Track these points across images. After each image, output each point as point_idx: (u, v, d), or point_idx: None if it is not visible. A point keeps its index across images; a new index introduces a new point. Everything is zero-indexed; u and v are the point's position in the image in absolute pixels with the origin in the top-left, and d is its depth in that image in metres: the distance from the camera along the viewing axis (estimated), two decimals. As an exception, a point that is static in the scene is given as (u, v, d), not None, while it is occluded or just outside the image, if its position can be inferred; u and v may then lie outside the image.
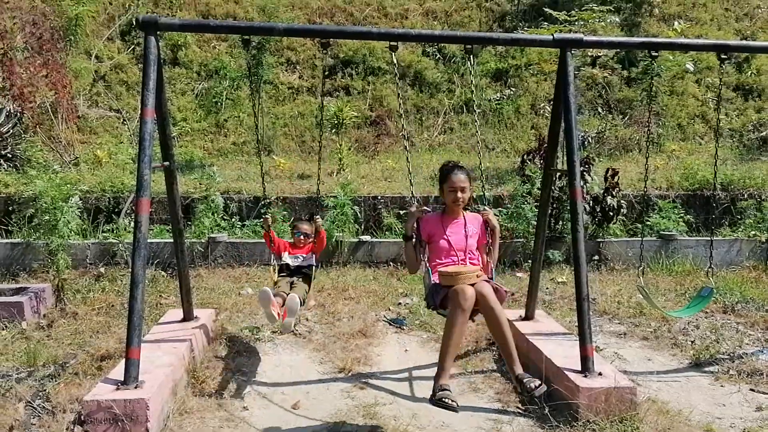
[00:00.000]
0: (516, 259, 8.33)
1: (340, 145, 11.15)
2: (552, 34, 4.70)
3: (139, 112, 4.37)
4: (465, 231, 4.25)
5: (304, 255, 5.34)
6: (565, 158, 4.91)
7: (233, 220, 9.06)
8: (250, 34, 4.84)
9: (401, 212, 8.94)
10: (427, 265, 4.20)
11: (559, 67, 4.67)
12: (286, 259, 5.32)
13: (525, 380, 3.82)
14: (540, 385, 3.80)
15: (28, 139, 10.96)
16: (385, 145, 12.56)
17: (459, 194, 4.21)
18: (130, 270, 7.29)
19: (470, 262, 4.20)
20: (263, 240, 8.31)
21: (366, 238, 8.55)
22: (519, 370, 3.92)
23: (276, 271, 5.30)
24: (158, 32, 4.42)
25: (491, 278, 4.25)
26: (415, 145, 12.88)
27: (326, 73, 13.97)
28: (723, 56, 4.81)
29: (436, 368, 3.92)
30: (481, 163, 4.71)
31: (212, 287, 7.24)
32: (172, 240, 5.85)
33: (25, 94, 10.82)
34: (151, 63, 4.35)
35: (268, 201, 9.14)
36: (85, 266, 7.82)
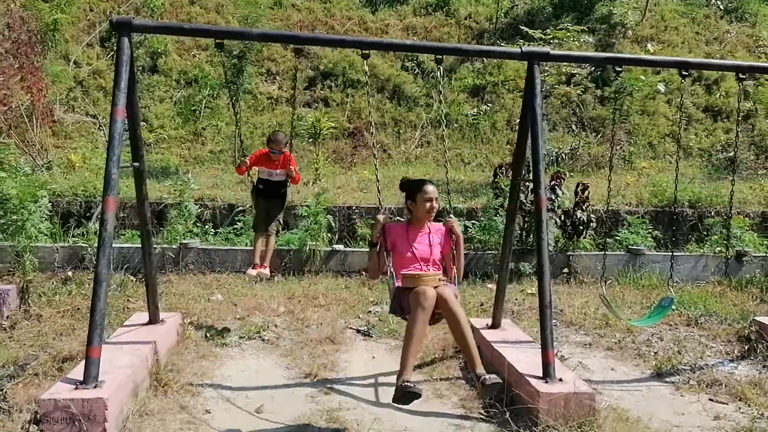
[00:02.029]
0: (487, 270, 8.41)
1: (317, 156, 11.20)
2: (520, 47, 4.81)
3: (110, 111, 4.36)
4: (429, 240, 4.31)
5: (278, 171, 6.18)
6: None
7: (206, 227, 9.04)
8: (224, 38, 4.87)
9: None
10: (392, 270, 4.23)
11: (527, 79, 4.78)
12: (263, 174, 6.19)
13: (482, 377, 3.87)
14: (494, 376, 3.87)
15: (0, 141, 10.83)
16: (362, 157, 12.63)
17: (434, 204, 4.29)
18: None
19: (436, 270, 4.26)
20: (236, 247, 8.38)
21: (339, 247, 8.58)
22: (480, 369, 3.95)
23: (254, 193, 6.37)
24: (132, 33, 4.45)
25: (454, 285, 4.31)
26: (392, 158, 12.97)
27: (306, 84, 14.04)
28: (684, 73, 4.96)
29: (404, 362, 3.91)
30: (447, 173, 4.84)
31: (182, 293, 7.20)
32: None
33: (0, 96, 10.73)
34: (123, 63, 4.37)
35: (241, 209, 9.15)
36: (53, 269, 7.74)
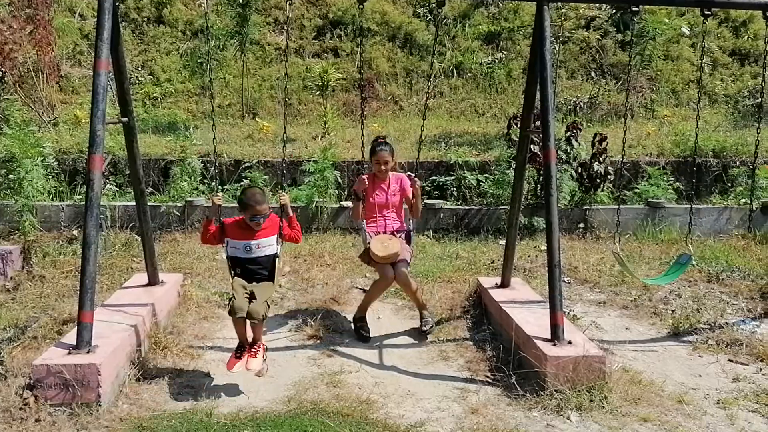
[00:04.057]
0: (500, 226, 8.16)
1: (325, 108, 10.89)
2: (531, -13, 4.45)
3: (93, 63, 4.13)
4: (388, 190, 5.28)
5: (261, 241, 4.21)
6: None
7: (213, 183, 8.86)
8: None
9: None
10: (364, 221, 5.23)
11: (535, 23, 4.44)
12: (235, 250, 4.22)
13: (423, 320, 5.15)
14: (430, 321, 5.17)
15: (6, 98, 10.67)
16: (373, 109, 12.29)
17: (382, 167, 5.18)
18: (104, 233, 7.21)
19: (391, 215, 5.29)
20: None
21: (347, 204, 8.36)
22: (423, 309, 5.21)
23: (231, 270, 4.33)
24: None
25: (410, 230, 5.33)
26: (403, 109, 12.62)
27: (314, 33, 13.62)
28: (706, 12, 4.58)
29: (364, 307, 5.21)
30: (421, 138, 5.38)
31: (187, 252, 7.09)
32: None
33: (5, 51, 10.50)
34: (105, 11, 4.10)
35: (248, 165, 8.95)
36: (59, 229, 7.65)
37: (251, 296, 4.08)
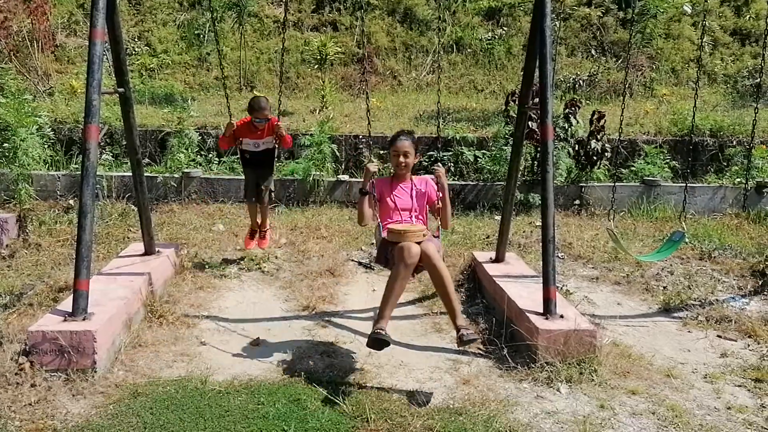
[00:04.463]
0: (496, 202, 8.19)
1: (323, 82, 10.83)
2: (531, -40, 4.41)
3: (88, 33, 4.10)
4: (412, 193, 4.37)
5: (263, 140, 5.62)
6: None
7: (210, 155, 8.86)
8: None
9: (382, 152, 8.71)
10: (379, 220, 4.30)
11: (536, -2, 4.40)
12: (248, 145, 5.60)
13: (461, 330, 3.85)
14: (471, 333, 3.85)
15: (1, 67, 10.58)
16: (372, 84, 12.23)
17: (401, 159, 4.30)
18: (100, 202, 7.22)
19: (417, 221, 4.30)
20: (239, 176, 8.21)
21: (344, 177, 8.38)
22: (459, 321, 3.94)
23: (241, 162, 5.87)
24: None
25: (437, 237, 4.33)
26: (402, 84, 12.56)
27: (313, 6, 13.48)
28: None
29: (382, 312, 3.93)
30: (439, 128, 4.53)
31: (183, 222, 7.12)
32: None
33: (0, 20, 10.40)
34: (100, -20, 4.07)
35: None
36: (55, 198, 7.66)
37: (257, 186, 5.68)
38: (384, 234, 4.17)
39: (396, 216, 4.30)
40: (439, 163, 4.40)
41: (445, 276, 3.93)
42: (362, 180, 4.30)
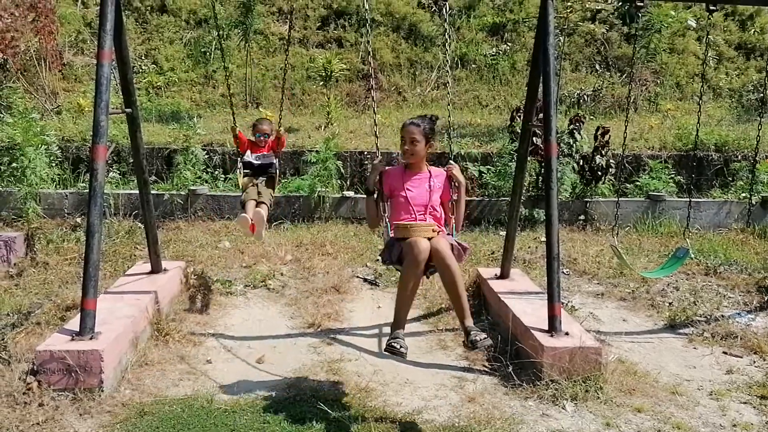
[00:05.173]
0: (500, 218, 8.21)
1: (329, 99, 10.91)
2: (533, -20, 4.46)
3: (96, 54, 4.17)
4: (429, 185, 4.01)
5: (265, 153, 5.80)
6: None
7: (216, 172, 8.91)
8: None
9: (385, 168, 8.72)
10: (387, 220, 4.02)
11: (539, 16, 4.45)
12: (249, 158, 5.78)
13: (471, 332, 3.64)
14: (485, 338, 3.62)
15: (8, 86, 10.71)
16: (376, 100, 12.29)
17: (407, 146, 3.97)
18: (107, 220, 7.28)
19: (433, 218, 3.98)
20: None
21: (350, 193, 8.42)
22: (468, 322, 3.72)
23: (241, 172, 5.79)
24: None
25: (451, 235, 4.03)
26: (407, 100, 12.62)
27: (318, 24, 13.59)
28: (711, 7, 4.58)
29: (397, 316, 3.81)
30: (450, 117, 4.62)
31: (190, 240, 7.15)
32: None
33: (7, 38, 10.52)
34: (108, 2, 4.14)
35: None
36: (63, 216, 7.72)
37: (258, 192, 5.59)
38: (392, 233, 3.93)
39: (408, 212, 3.95)
40: (452, 161, 4.12)
41: (456, 274, 3.69)
42: (368, 179, 4.11)
